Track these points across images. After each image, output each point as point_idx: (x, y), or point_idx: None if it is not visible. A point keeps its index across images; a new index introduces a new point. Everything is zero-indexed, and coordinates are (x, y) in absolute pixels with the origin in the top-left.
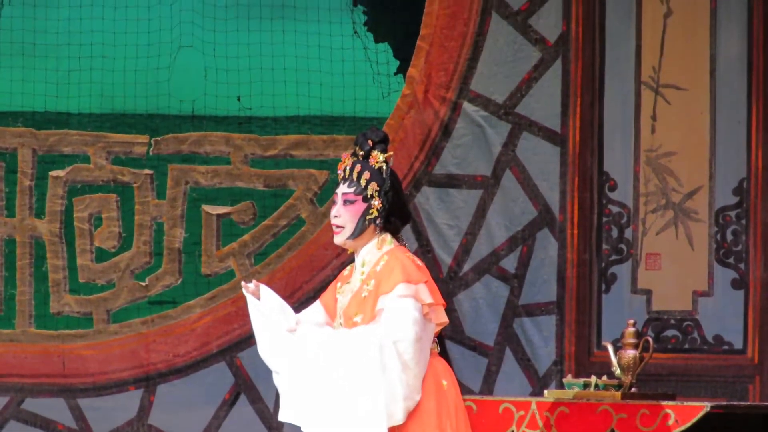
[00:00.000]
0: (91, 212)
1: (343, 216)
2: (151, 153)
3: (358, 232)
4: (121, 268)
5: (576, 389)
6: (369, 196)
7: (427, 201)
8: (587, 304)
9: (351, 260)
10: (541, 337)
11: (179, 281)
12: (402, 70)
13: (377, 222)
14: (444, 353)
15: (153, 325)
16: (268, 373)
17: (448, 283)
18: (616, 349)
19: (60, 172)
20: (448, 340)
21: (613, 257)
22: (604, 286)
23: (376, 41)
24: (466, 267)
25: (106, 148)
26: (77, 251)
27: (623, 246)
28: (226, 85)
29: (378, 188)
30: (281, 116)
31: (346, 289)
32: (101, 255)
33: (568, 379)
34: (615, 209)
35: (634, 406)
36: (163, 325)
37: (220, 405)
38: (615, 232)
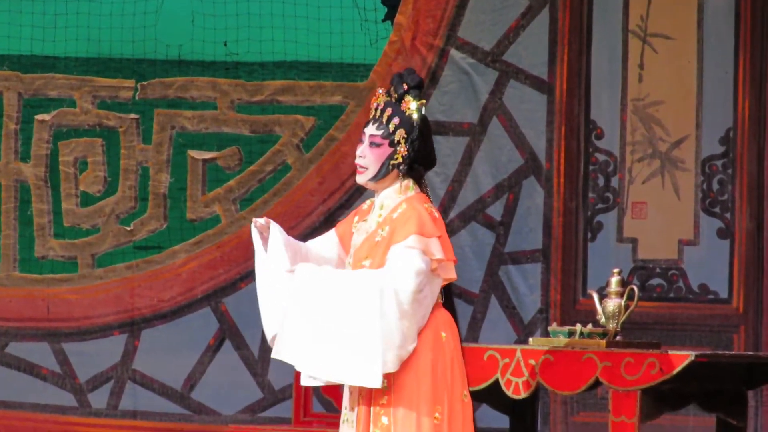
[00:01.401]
0: (77, 156)
1: (368, 157)
2: (137, 97)
3: (381, 176)
4: (106, 212)
5: (561, 337)
6: (396, 142)
7: None
8: (573, 252)
9: (371, 194)
10: (526, 285)
11: (164, 226)
12: (390, 16)
13: (401, 168)
14: (449, 305)
15: (138, 270)
16: (253, 319)
17: None
18: (602, 298)
19: (45, 116)
20: None
21: (599, 206)
22: (590, 235)
23: None
24: (452, 214)
25: (92, 92)
26: (62, 195)
27: (609, 195)
28: (213, 30)
29: (406, 135)
30: (268, 62)
31: (361, 228)
32: (86, 199)
33: (554, 327)
34: (601, 158)
35: (619, 354)
36: (148, 270)
37: (205, 350)
38: (601, 181)
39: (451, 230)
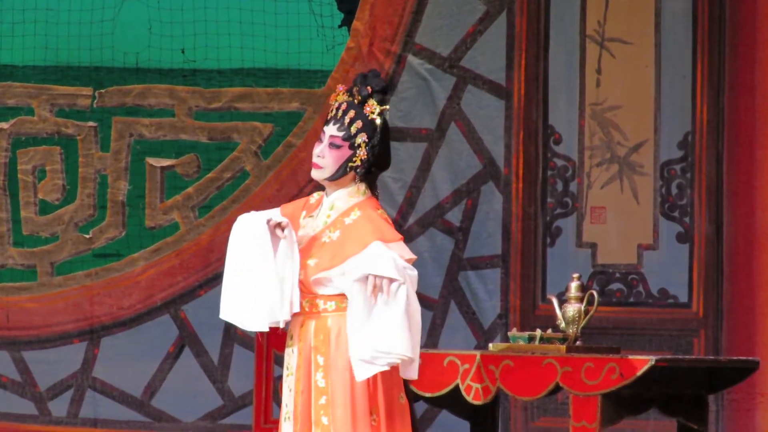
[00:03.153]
0: (35, 165)
1: (327, 157)
2: (95, 105)
3: (337, 177)
4: (65, 220)
5: (521, 342)
6: (356, 145)
7: None
8: (532, 257)
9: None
10: (485, 291)
11: (123, 234)
12: (347, 22)
13: (358, 171)
14: None
15: (97, 278)
16: (212, 325)
17: None
18: (561, 303)
19: (4, 125)
20: None
21: (558, 210)
22: (549, 240)
23: None
24: (411, 220)
25: (50, 101)
26: (21, 204)
27: (568, 199)
28: (170, 37)
29: (367, 139)
30: (226, 69)
31: (308, 225)
32: (45, 207)
33: (513, 332)
34: (560, 162)
35: (579, 359)
36: (107, 278)
37: (165, 358)
38: (560, 186)
39: (410, 236)
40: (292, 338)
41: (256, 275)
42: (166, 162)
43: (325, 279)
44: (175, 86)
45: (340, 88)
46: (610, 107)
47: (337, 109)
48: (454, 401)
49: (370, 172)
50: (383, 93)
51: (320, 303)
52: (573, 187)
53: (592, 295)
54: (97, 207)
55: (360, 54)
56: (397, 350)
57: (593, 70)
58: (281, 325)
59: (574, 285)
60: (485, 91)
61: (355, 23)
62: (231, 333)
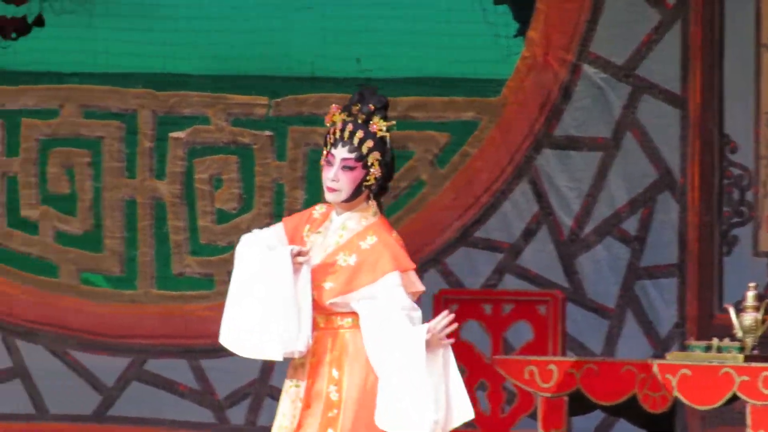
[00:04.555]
0: (212, 174)
1: (341, 180)
2: (270, 114)
3: (353, 197)
4: (242, 229)
5: (698, 352)
6: (369, 164)
7: (548, 163)
8: (708, 266)
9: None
10: (662, 300)
11: None
12: (522, 32)
13: (372, 189)
14: None
15: None
16: None
17: (569, 245)
18: (738, 312)
19: (180, 134)
20: (570, 302)
21: (735, 220)
22: (725, 249)
23: (496, 3)
24: (587, 229)
25: (226, 110)
26: (198, 213)
27: (744, 208)
28: (345, 46)
29: (380, 157)
30: (400, 78)
31: (316, 241)
32: (222, 216)
33: (691, 341)
34: (736, 171)
35: (757, 368)
36: None
37: None
38: (736, 195)
39: (587, 245)
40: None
41: (276, 305)
42: None
43: (341, 302)
44: (350, 95)
45: (334, 108)
46: None
47: (341, 130)
48: (631, 410)
49: (381, 188)
50: (385, 109)
51: (336, 319)
52: (749, 196)
53: None
54: (274, 216)
55: (535, 63)
56: (468, 415)
57: None
58: (296, 356)
59: (750, 294)
60: (661, 100)
61: (530, 33)
62: None
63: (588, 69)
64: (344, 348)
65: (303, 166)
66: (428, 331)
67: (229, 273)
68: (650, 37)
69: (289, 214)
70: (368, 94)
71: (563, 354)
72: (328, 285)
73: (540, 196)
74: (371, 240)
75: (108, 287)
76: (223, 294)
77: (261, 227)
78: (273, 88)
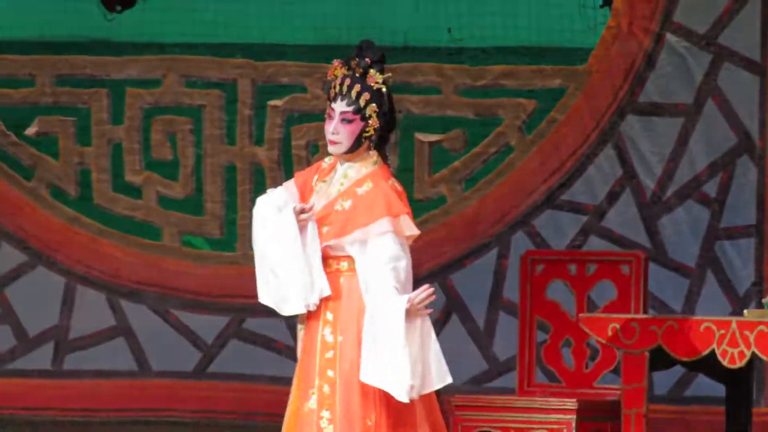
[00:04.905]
0: (309, 140)
1: (341, 133)
2: None
3: (354, 149)
4: None
5: None
6: (367, 116)
7: (632, 129)
8: None
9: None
10: (740, 259)
11: None
12: (607, 2)
13: (372, 139)
14: None
15: None
16: (477, 294)
17: (651, 207)
18: None
19: (278, 102)
20: (652, 262)
21: None
22: None
23: None
24: (669, 192)
25: (321, 79)
26: None
27: None
28: (437, 17)
29: (377, 109)
30: (490, 47)
31: (321, 190)
32: None
33: (767, 299)
34: None
35: None
36: None
37: (433, 324)
38: None
39: (668, 207)
40: None
41: (289, 264)
42: (433, 137)
43: (336, 245)
44: (442, 64)
45: (336, 63)
46: None
47: (341, 84)
48: (709, 366)
49: (381, 138)
50: (381, 62)
51: (333, 263)
52: None
53: None
54: None
55: (620, 33)
56: (446, 379)
57: None
58: (312, 308)
59: None
60: (740, 67)
61: (615, 3)
62: (496, 301)
63: (671, 38)
64: (339, 291)
65: (396, 133)
66: (408, 301)
67: None
68: (731, 6)
69: None
70: (365, 48)
71: (645, 312)
72: (325, 229)
73: (623, 160)
74: (367, 187)
75: (209, 249)
76: None
77: None
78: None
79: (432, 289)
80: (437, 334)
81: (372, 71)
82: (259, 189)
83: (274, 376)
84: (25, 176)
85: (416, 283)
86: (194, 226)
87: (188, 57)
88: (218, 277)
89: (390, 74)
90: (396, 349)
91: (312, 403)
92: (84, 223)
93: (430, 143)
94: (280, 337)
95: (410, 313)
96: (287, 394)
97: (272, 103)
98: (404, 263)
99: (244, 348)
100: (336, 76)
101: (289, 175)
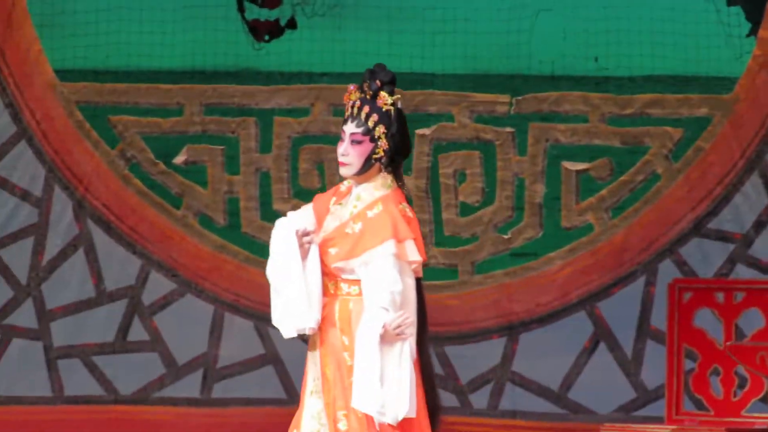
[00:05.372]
0: (456, 168)
1: (351, 155)
2: (512, 112)
3: (364, 170)
4: (484, 221)
5: None
6: (376, 137)
7: None
8: None
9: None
10: None
11: (540, 234)
12: (754, 32)
13: (382, 161)
14: (420, 300)
15: (515, 277)
16: (625, 322)
17: None
18: None
19: (426, 131)
20: None
21: None
22: None
23: (729, 5)
24: None
25: (469, 108)
26: (442, 206)
27: None
28: (584, 46)
29: (385, 130)
30: (636, 76)
31: (336, 212)
32: (465, 209)
33: None
34: None
35: None
36: (524, 276)
37: (580, 352)
38: None
39: None
40: None
41: (287, 287)
42: (580, 166)
43: (345, 267)
44: (589, 93)
45: (351, 87)
46: None
47: (352, 107)
48: None
49: (393, 161)
50: (392, 84)
51: (344, 287)
52: None
53: None
54: (515, 209)
55: (766, 61)
56: (403, 413)
57: None
58: (307, 332)
59: None
60: None
61: (761, 32)
62: (644, 328)
63: None
64: (348, 316)
65: (543, 161)
66: (383, 327)
67: (473, 264)
68: None
69: (530, 207)
70: (378, 71)
71: None
72: (333, 251)
73: None
74: (377, 209)
75: None
76: (467, 284)
77: (503, 220)
78: (514, 86)
79: (407, 315)
80: (585, 363)
81: (382, 93)
82: None
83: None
84: (173, 205)
85: (565, 312)
86: None
87: (336, 86)
88: None
89: (399, 96)
90: (367, 370)
91: (342, 425)
92: (232, 251)
93: (577, 172)
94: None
95: (386, 337)
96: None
97: (420, 131)
98: (399, 288)
99: None
100: (351, 100)
101: (437, 203)
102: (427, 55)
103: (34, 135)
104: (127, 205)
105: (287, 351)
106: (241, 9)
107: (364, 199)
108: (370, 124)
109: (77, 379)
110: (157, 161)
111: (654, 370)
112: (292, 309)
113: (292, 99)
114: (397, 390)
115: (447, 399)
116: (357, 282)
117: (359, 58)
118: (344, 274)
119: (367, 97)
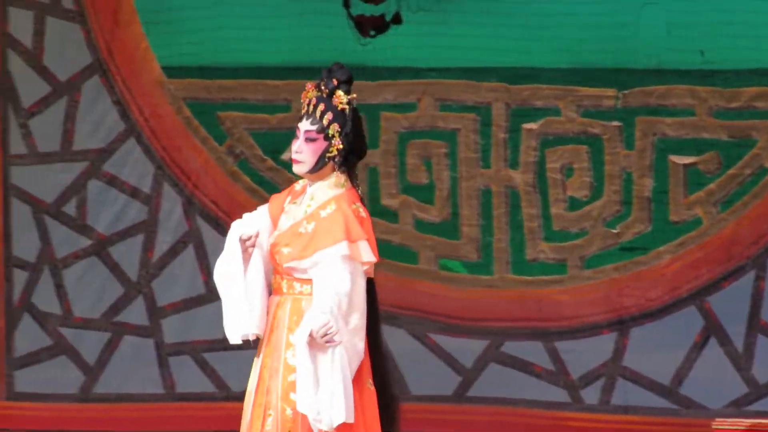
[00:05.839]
0: (563, 163)
1: (304, 152)
2: (618, 106)
3: (317, 168)
4: (593, 216)
5: None
6: (330, 136)
7: None
8: None
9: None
10: None
11: (649, 228)
12: None
13: (336, 160)
14: (370, 297)
15: (625, 271)
16: (735, 316)
17: None
18: None
19: (532, 125)
20: None
21: None
22: None
23: None
24: None
25: (575, 102)
26: (550, 201)
27: None
28: (690, 40)
29: (339, 129)
30: (743, 69)
31: (290, 211)
32: (573, 204)
33: None
34: None
35: None
36: (634, 271)
37: (691, 347)
38: None
39: None
40: (268, 314)
41: (229, 293)
42: (688, 159)
43: (297, 267)
44: (695, 86)
45: (309, 85)
46: None
47: (308, 105)
48: None
49: (347, 160)
50: (348, 83)
51: (296, 286)
52: None
53: None
54: (623, 203)
55: None
56: (337, 420)
57: None
58: (251, 338)
59: None
60: None
61: None
62: (754, 322)
63: None
64: (300, 315)
65: (650, 155)
66: (310, 334)
67: (581, 258)
68: None
69: (638, 202)
70: (335, 70)
71: None
72: (286, 250)
73: None
74: (330, 209)
75: (465, 273)
76: (576, 279)
77: (611, 214)
78: (620, 80)
79: (330, 325)
80: (696, 357)
81: (338, 92)
82: (515, 212)
83: (532, 400)
84: None
85: (675, 306)
86: (451, 250)
87: (443, 81)
88: (475, 301)
89: (355, 95)
90: (301, 371)
91: (269, 424)
92: None
93: (685, 165)
94: (539, 361)
95: (314, 344)
96: (545, 417)
97: (527, 126)
98: (346, 289)
99: (502, 371)
100: (310, 98)
101: (545, 198)
102: (533, 49)
103: (142, 132)
104: (235, 202)
105: (398, 347)
106: (346, 5)
107: (318, 199)
108: (325, 122)
109: (189, 376)
110: (265, 157)
111: (765, 365)
112: (234, 315)
113: (398, 94)
114: (330, 397)
115: (558, 394)
116: (310, 281)
117: (465, 53)
118: (297, 274)
119: (324, 95)
